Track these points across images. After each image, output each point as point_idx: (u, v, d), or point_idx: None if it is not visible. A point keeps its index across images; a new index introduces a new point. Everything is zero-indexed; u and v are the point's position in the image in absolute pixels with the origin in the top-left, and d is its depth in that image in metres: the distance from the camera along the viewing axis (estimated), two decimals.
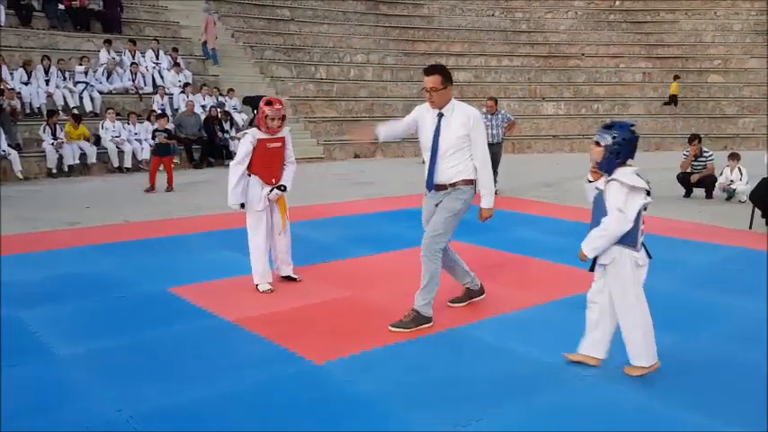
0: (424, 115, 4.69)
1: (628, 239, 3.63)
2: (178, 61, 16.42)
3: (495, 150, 11.00)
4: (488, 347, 4.22)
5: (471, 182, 4.66)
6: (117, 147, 13.49)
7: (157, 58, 16.30)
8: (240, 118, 16.07)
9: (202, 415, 3.34)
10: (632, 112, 21.33)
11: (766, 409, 3.35)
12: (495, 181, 10.92)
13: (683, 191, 10.73)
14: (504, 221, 8.56)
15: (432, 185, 4.68)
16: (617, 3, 25.92)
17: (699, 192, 10.62)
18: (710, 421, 3.25)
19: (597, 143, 3.64)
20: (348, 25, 21.78)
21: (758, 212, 8.17)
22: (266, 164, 5.45)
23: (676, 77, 21.99)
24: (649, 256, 3.73)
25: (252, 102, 14.70)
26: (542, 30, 24.44)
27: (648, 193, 3.66)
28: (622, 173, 3.61)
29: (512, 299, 5.19)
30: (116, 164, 13.51)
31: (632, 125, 3.69)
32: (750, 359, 4.01)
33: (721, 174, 10.58)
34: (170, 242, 7.20)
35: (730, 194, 10.36)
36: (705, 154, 10.66)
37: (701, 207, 9.79)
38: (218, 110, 15.19)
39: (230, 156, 14.78)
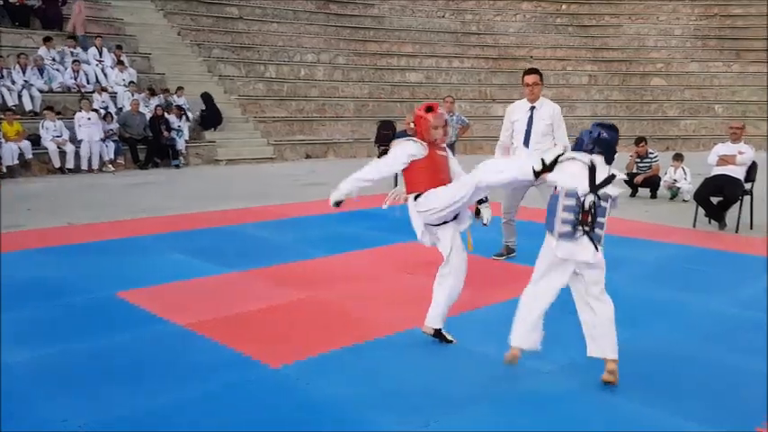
0: (514, 110, 6.12)
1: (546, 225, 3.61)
2: (122, 59, 15.98)
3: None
4: (448, 347, 4.19)
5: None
6: (58, 147, 13.04)
7: (101, 55, 15.83)
8: (191, 115, 15.77)
9: (155, 424, 3.21)
10: (578, 114, 21.76)
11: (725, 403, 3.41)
12: None
13: (628, 191, 10.98)
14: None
15: None
16: (563, 7, 26.42)
17: (644, 191, 10.88)
18: (669, 416, 3.29)
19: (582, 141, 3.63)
20: (298, 24, 21.59)
21: (701, 211, 8.40)
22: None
23: None
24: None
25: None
26: (492, 32, 24.72)
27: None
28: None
29: (470, 299, 5.18)
30: (57, 164, 13.05)
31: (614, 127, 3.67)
32: (704, 354, 4.08)
33: (666, 174, 10.86)
34: (117, 245, 6.96)
35: (674, 194, 10.64)
36: (650, 155, 10.93)
37: (646, 206, 10.02)
38: (164, 108, 14.84)
39: (176, 155, 14.49)
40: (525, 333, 3.63)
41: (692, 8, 26.95)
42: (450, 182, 4.19)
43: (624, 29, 25.99)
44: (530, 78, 6.01)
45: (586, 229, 3.45)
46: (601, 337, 3.58)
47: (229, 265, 6.12)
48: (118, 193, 10.63)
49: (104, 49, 15.93)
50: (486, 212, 4.48)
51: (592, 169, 3.46)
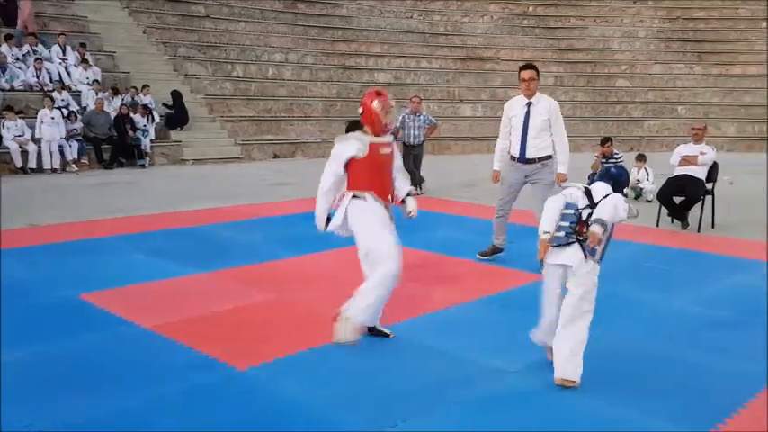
0: (512, 106, 6.10)
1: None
2: (86, 57, 15.70)
3: (416, 152, 11.13)
4: (414, 347, 4.20)
5: (550, 157, 6.03)
6: (20, 146, 12.75)
7: (64, 53, 15.53)
8: (157, 115, 15.56)
9: (121, 426, 3.17)
10: None
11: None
12: (420, 181, 11.09)
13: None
14: (427, 222, 8.60)
15: (523, 159, 5.99)
16: (530, 8, 26.68)
17: None
18: (634, 414, 3.33)
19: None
20: (266, 23, 21.43)
21: (664, 210, 8.55)
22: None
23: None
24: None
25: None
26: (460, 33, 24.85)
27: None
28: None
29: (436, 298, 5.21)
30: (19, 164, 12.76)
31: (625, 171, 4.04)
32: (668, 352, 4.15)
33: (629, 174, 11.02)
34: (81, 246, 6.84)
35: (638, 194, 10.82)
36: (615, 155, 11.08)
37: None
38: (129, 107, 14.61)
39: (141, 156, 14.28)
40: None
41: (655, 11, 27.43)
42: (390, 183, 4.36)
43: (589, 31, 26.34)
44: (526, 74, 5.97)
45: (580, 238, 3.60)
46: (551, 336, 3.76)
47: (195, 265, 6.05)
48: (82, 194, 10.44)
49: (68, 48, 15.63)
50: (411, 203, 4.55)
51: (587, 191, 3.70)
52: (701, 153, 8.37)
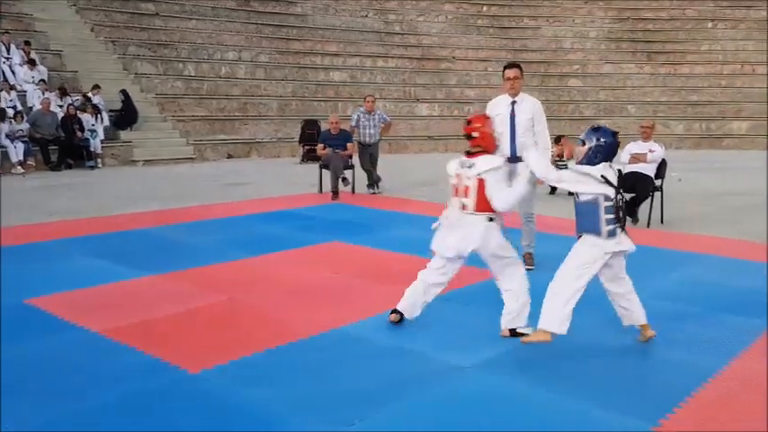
0: (497, 105, 5.96)
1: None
2: (32, 56, 15.23)
3: (372, 151, 11.11)
4: (371, 346, 4.16)
5: None
6: None
7: (8, 52, 15.03)
8: (106, 116, 15.19)
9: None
10: None
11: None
12: (377, 180, 11.07)
13: (548, 188, 11.26)
14: (385, 220, 8.62)
15: (514, 158, 5.77)
16: (484, 8, 26.93)
17: (562, 189, 11.16)
18: (588, 407, 3.36)
19: (583, 142, 3.95)
20: (218, 21, 21.13)
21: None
22: None
23: None
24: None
25: None
26: (415, 32, 24.92)
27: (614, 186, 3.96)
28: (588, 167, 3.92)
29: (393, 297, 5.17)
30: None
31: (616, 132, 4.02)
32: (620, 344, 4.20)
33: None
34: (26, 250, 6.61)
35: None
36: None
37: (565, 202, 10.29)
38: (77, 108, 14.23)
39: (90, 157, 13.92)
40: (562, 320, 3.89)
41: (605, 11, 27.98)
42: None
43: (542, 31, 26.72)
44: (511, 72, 5.92)
45: (622, 224, 3.99)
46: (633, 305, 4.10)
47: (146, 268, 5.90)
48: (28, 196, 10.11)
49: (12, 46, 15.14)
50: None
51: (605, 178, 3.91)
52: (650, 151, 8.54)
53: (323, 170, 10.81)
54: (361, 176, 11.06)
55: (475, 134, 4.17)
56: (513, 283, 4.27)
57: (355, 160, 11.05)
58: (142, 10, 20.04)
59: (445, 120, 21.14)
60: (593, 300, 4.52)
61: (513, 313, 4.24)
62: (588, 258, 3.99)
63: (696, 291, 5.38)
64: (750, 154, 19.34)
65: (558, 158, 11.17)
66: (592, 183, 3.91)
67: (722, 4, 28.34)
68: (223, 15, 21.45)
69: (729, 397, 3.48)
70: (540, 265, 5.92)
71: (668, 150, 9.77)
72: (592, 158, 3.93)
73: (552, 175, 4.13)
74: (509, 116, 5.87)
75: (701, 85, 24.97)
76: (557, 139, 11.31)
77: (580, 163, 3.99)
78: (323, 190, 10.78)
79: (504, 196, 4.09)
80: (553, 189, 11.18)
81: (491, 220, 4.14)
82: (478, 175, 4.07)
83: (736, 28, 27.64)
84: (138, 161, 14.97)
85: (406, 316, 4.49)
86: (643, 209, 8.50)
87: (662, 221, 8.50)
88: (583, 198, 3.99)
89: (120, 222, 8.07)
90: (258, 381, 3.64)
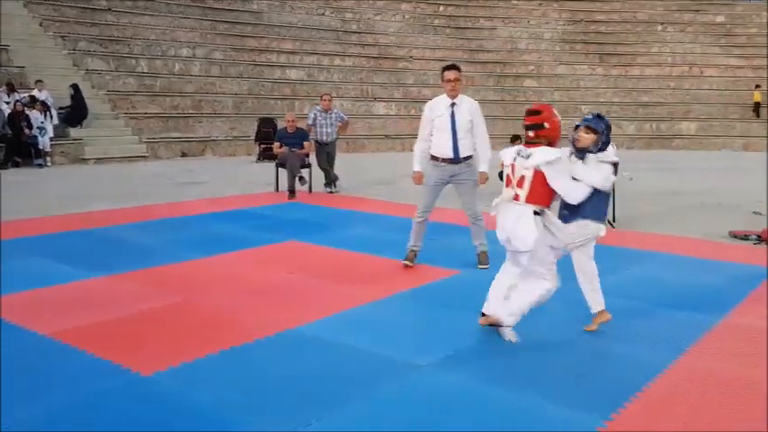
0: (436, 106, 5.95)
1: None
2: None
3: (330, 149, 11.06)
4: (328, 346, 4.13)
5: (471, 156, 6.01)
6: None
7: None
8: (56, 113, 14.77)
9: None
10: None
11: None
12: (335, 179, 11.02)
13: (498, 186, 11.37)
14: (342, 220, 8.58)
15: (456, 159, 5.91)
16: (441, 8, 27.09)
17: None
18: (543, 403, 3.38)
19: (592, 130, 4.12)
20: (171, 17, 20.76)
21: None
22: None
23: (758, 86, 24.15)
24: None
25: None
26: (372, 31, 24.92)
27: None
28: (605, 154, 4.15)
29: (350, 296, 5.16)
30: None
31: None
32: (573, 340, 4.26)
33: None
34: None
35: None
36: None
37: None
38: (24, 105, 13.81)
39: (39, 155, 13.53)
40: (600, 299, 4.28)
41: (559, 13, 28.44)
42: None
43: (498, 32, 27.02)
44: (451, 74, 5.88)
45: None
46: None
47: (97, 269, 5.75)
48: None
49: None
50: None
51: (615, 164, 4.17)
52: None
53: (279, 169, 10.71)
54: (318, 175, 11.00)
55: (546, 125, 3.99)
56: (530, 288, 4.10)
57: (312, 159, 10.98)
58: (93, 5, 19.57)
59: (403, 119, 21.19)
60: (556, 301, 4.57)
61: (509, 310, 4.13)
62: (589, 248, 4.30)
63: (647, 288, 5.49)
64: (699, 154, 19.90)
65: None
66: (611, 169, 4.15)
67: (671, 8, 29.12)
68: (177, 11, 21.09)
69: (679, 391, 3.55)
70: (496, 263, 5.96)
71: (620, 150, 9.94)
72: (605, 145, 4.15)
73: (607, 182, 4.16)
74: (449, 117, 5.87)
75: (651, 87, 25.61)
76: (512, 139, 11.51)
77: (589, 150, 4.14)
78: (279, 189, 10.69)
79: (573, 190, 4.01)
80: None
81: (537, 213, 3.99)
82: (537, 166, 3.92)
83: (684, 31, 28.43)
84: (89, 159, 14.61)
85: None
86: None
87: (614, 220, 8.66)
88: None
89: (70, 222, 7.86)
90: (212, 382, 3.57)
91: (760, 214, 9.16)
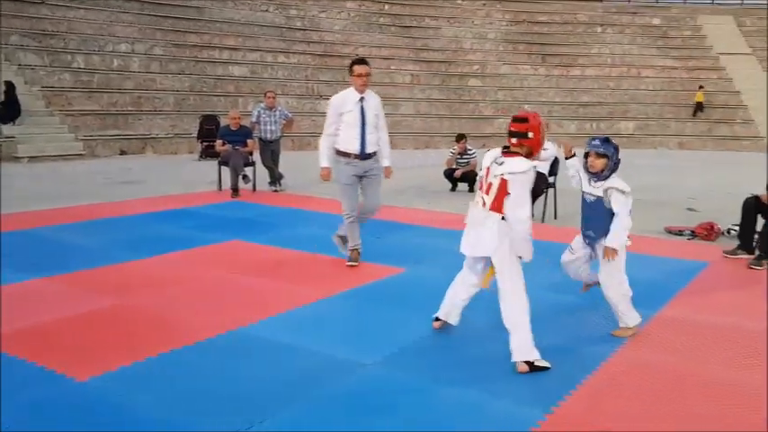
0: (345, 102, 5.84)
1: None
2: None
3: (274, 147, 10.95)
4: (271, 346, 4.07)
5: (376, 152, 6.03)
6: None
7: None
8: None
9: None
10: (403, 112, 22.48)
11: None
12: (279, 177, 10.90)
13: (449, 185, 11.47)
14: (287, 218, 8.50)
15: (364, 155, 5.88)
16: (386, 7, 27.13)
17: (463, 186, 11.43)
18: (487, 397, 3.42)
19: (602, 155, 4.27)
20: (109, 12, 20.16)
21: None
22: None
23: (701, 87, 24.91)
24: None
25: None
26: (317, 28, 24.78)
27: None
28: (619, 182, 4.31)
29: (295, 295, 5.11)
30: None
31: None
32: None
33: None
34: None
35: None
36: (469, 152, 11.50)
37: (466, 200, 10.50)
38: None
39: None
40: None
41: (503, 14, 28.85)
42: None
43: (443, 31, 27.23)
44: (362, 69, 5.83)
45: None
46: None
47: (30, 271, 5.54)
48: None
49: None
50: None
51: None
52: (544, 149, 8.82)
53: (222, 167, 10.54)
54: (262, 173, 10.87)
55: (531, 134, 3.87)
56: (504, 307, 3.91)
57: (256, 157, 10.84)
58: None
59: None
60: (490, 297, 4.64)
61: (517, 345, 3.84)
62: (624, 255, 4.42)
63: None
64: (637, 152, 20.45)
65: (459, 155, 11.43)
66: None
67: (611, 10, 29.91)
68: (115, 5, 20.49)
69: (616, 383, 3.63)
70: (435, 261, 6.00)
71: (561, 149, 10.13)
72: (613, 170, 4.32)
73: (629, 220, 4.40)
74: (359, 113, 5.81)
75: (591, 87, 26.25)
76: (458, 138, 11.62)
77: (602, 174, 4.32)
78: (222, 187, 10.51)
79: (517, 212, 3.82)
80: (454, 186, 11.40)
81: (504, 219, 3.86)
82: (503, 175, 3.83)
83: (622, 33, 29.25)
84: (23, 158, 14.07)
85: (450, 321, 4.32)
86: (538, 205, 8.79)
87: (555, 217, 8.83)
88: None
89: (2, 222, 7.54)
90: (152, 386, 3.48)
91: (694, 210, 9.49)
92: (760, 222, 6.55)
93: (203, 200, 9.75)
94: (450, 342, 4.19)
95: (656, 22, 29.77)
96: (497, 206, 3.85)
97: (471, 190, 11.33)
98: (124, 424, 3.10)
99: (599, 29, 29.15)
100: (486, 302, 4.72)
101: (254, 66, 21.55)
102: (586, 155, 4.39)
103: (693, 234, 7.78)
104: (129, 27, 20.01)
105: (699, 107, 25.31)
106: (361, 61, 5.93)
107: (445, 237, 7.37)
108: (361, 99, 5.85)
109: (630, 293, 4.41)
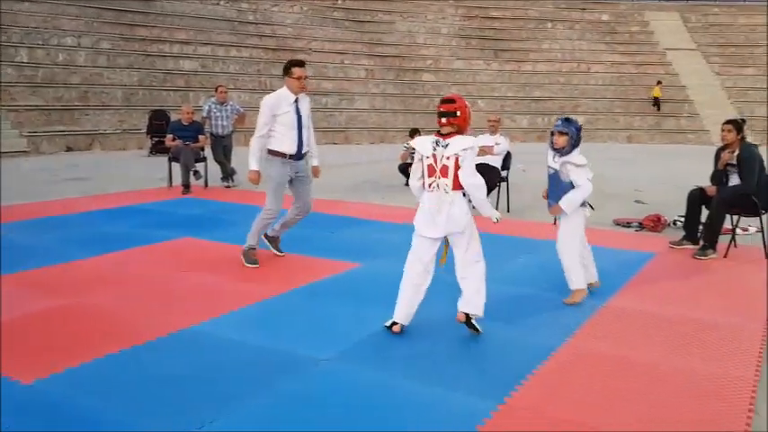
0: (280, 103, 5.79)
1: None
2: None
3: (226, 143, 10.81)
4: (224, 344, 4.03)
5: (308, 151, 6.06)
6: None
7: None
8: None
9: None
10: (357, 107, 22.46)
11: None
12: (231, 173, 10.75)
13: (404, 179, 11.51)
14: (240, 215, 8.38)
15: (299, 155, 5.92)
16: (339, 1, 27.02)
17: None
18: (440, 389, 3.44)
19: (563, 133, 4.82)
20: (54, 4, 19.58)
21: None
22: None
23: (659, 82, 25.38)
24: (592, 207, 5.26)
25: None
26: (269, 22, 24.53)
27: None
28: (576, 157, 4.84)
29: (248, 292, 5.06)
30: None
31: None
32: (462, 328, 4.35)
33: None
34: None
35: None
36: None
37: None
38: None
39: None
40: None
41: (455, 9, 29.04)
42: None
43: (397, 26, 27.27)
44: (303, 72, 5.83)
45: None
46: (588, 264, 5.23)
47: None
48: None
49: None
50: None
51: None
52: (497, 143, 8.95)
53: (173, 163, 10.36)
54: (214, 169, 10.72)
55: (458, 113, 4.15)
56: (470, 271, 4.27)
57: (208, 152, 10.69)
58: None
59: None
60: (442, 288, 4.68)
61: (478, 297, 4.25)
62: (582, 223, 5.03)
63: (537, 274, 5.70)
64: (586, 146, 20.76)
65: (413, 150, 11.46)
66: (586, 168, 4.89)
67: (561, 6, 30.39)
68: None
69: (567, 372, 3.71)
70: (391, 255, 6.01)
71: (513, 143, 10.28)
72: (574, 146, 4.84)
73: (588, 186, 4.93)
74: (295, 113, 5.82)
75: (542, 82, 26.65)
76: (411, 133, 11.66)
77: (565, 151, 4.85)
78: (173, 184, 10.34)
79: (474, 179, 4.17)
80: (408, 181, 11.44)
81: (465, 196, 4.23)
82: (456, 154, 4.11)
83: (572, 28, 29.75)
84: None
85: (405, 323, 4.33)
86: (491, 198, 8.88)
87: (508, 210, 8.94)
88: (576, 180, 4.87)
89: None
90: (100, 387, 3.41)
91: (642, 203, 9.73)
92: (705, 214, 6.74)
93: (153, 197, 9.57)
94: (403, 336, 4.20)
95: (604, 17, 30.39)
96: (458, 185, 4.17)
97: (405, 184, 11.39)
98: (71, 426, 3.03)
99: (549, 24, 29.60)
100: (439, 297, 4.77)
101: (205, 60, 21.22)
102: (552, 133, 4.96)
103: (641, 226, 7.98)
104: (76, 20, 19.47)
105: (656, 102, 25.99)
106: (301, 63, 5.90)
107: (400, 231, 7.37)
108: (296, 100, 5.83)
109: (584, 261, 5.09)
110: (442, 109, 4.21)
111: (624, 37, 29.67)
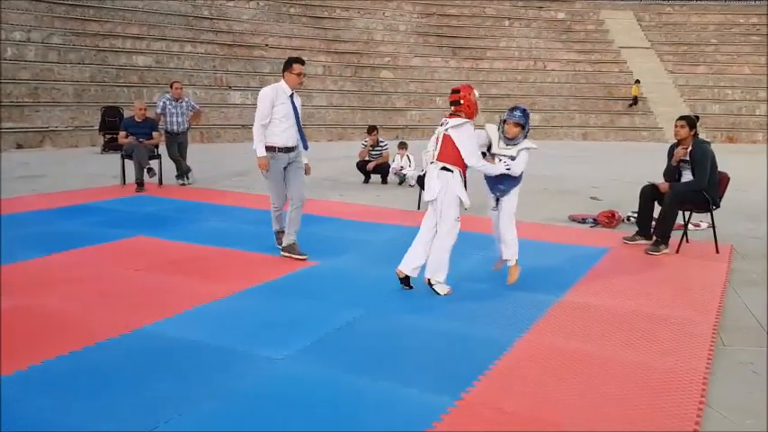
0: (278, 95, 5.99)
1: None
2: None
3: (181, 140, 10.65)
4: (178, 344, 3.96)
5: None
6: None
7: None
8: None
9: None
10: (316, 104, 22.33)
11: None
12: (187, 170, 10.59)
13: (362, 177, 11.50)
14: (195, 213, 8.28)
15: (291, 148, 6.09)
16: None
17: (376, 177, 11.48)
18: (396, 386, 3.45)
19: (518, 124, 5.07)
20: None
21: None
22: None
23: (637, 81, 25.86)
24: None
25: None
26: (225, 18, 24.21)
27: None
28: (530, 143, 5.18)
29: (203, 291, 4.98)
30: None
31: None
32: (426, 324, 4.37)
33: (393, 161, 11.56)
34: None
35: (402, 179, 11.36)
36: (381, 144, 11.55)
37: (377, 192, 10.57)
38: None
39: None
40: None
41: (413, 6, 29.11)
42: None
43: (354, 22, 27.20)
44: (303, 68, 6.12)
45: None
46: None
47: None
48: None
49: None
50: None
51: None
52: None
53: (126, 160, 10.15)
54: (169, 167, 10.54)
55: (462, 101, 4.90)
56: (436, 244, 4.97)
57: (162, 149, 10.50)
58: None
59: None
60: (390, 286, 4.69)
61: (434, 266, 4.96)
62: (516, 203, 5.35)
63: (492, 271, 5.74)
64: (542, 143, 21.11)
65: (371, 147, 11.46)
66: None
67: (517, 4, 30.72)
68: None
69: (523, 367, 3.75)
70: (349, 253, 5.99)
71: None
72: (525, 136, 5.16)
73: (524, 166, 5.18)
74: (291, 106, 6.04)
75: (499, 80, 26.90)
76: (369, 130, 11.65)
77: (517, 140, 5.12)
78: (126, 181, 10.13)
79: (473, 156, 4.88)
80: (367, 178, 11.43)
81: (448, 170, 4.89)
82: (446, 130, 4.89)
83: (529, 26, 30.11)
84: None
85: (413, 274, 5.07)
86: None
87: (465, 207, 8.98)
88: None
89: None
90: (50, 389, 3.32)
91: (596, 199, 9.90)
92: (658, 209, 6.88)
93: (107, 194, 9.37)
94: (360, 334, 4.20)
95: (560, 16, 30.83)
96: (443, 158, 4.90)
97: (384, 182, 11.41)
98: (24, 426, 2.96)
99: (506, 22, 29.91)
100: (399, 292, 4.79)
101: (160, 55, 20.84)
102: (504, 121, 5.18)
103: (596, 222, 8.12)
104: (25, 14, 18.91)
105: (635, 101, 26.53)
106: (302, 61, 6.18)
107: (359, 228, 7.38)
108: (292, 95, 6.06)
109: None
110: (451, 99, 4.99)
111: (580, 35, 30.15)
